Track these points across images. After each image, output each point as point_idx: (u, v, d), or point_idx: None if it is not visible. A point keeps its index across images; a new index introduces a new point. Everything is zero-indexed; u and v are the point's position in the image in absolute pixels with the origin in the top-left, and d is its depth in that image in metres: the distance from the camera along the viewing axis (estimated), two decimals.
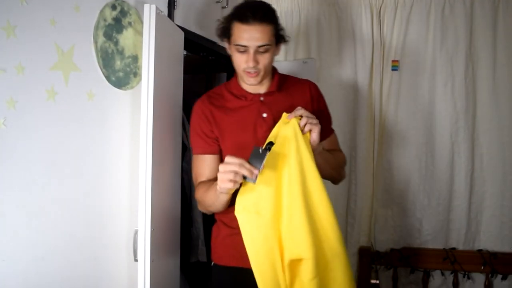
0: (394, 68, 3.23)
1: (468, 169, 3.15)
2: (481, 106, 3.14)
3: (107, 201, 1.96)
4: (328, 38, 3.33)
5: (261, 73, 1.94)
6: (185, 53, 2.34)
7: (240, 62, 1.92)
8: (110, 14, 1.95)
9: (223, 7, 2.89)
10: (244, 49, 1.88)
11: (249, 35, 1.85)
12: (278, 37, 1.96)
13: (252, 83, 1.96)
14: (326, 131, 2.08)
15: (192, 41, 2.52)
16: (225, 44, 2.00)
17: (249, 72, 1.92)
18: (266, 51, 1.89)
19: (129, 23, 2.04)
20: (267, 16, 1.87)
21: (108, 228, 1.96)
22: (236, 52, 1.91)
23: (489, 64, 3.10)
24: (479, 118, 3.15)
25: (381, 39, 3.28)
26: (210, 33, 2.69)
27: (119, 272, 2.02)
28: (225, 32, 1.94)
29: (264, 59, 1.91)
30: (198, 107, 2.02)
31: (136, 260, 1.88)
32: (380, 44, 3.28)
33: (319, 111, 2.06)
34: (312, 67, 3.05)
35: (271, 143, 1.80)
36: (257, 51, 1.88)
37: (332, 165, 2.04)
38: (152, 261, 1.86)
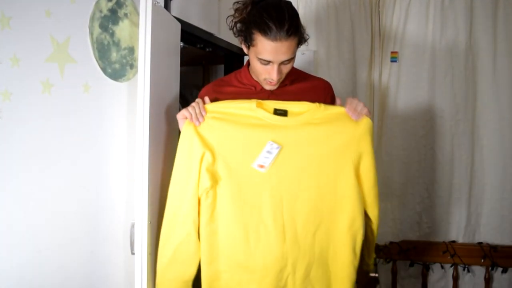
0: (393, 59, 3.23)
1: (468, 162, 3.14)
2: (481, 98, 3.13)
3: (103, 194, 1.94)
4: (326, 30, 3.32)
5: (281, 80, 1.93)
6: (181, 44, 2.32)
7: (262, 72, 1.88)
8: (106, 5, 1.93)
9: None
10: (267, 62, 1.83)
11: (275, 51, 1.78)
12: (301, 42, 1.90)
13: (271, 89, 1.95)
14: None
15: (189, 33, 2.50)
16: (241, 45, 1.94)
17: (270, 82, 1.90)
18: (290, 61, 1.85)
19: (125, 15, 2.02)
20: (293, 28, 1.78)
21: (104, 221, 1.95)
22: (257, 62, 1.86)
23: (489, 55, 3.10)
24: (479, 110, 3.14)
25: (380, 31, 3.27)
26: (207, 24, 2.68)
27: (116, 265, 2.01)
28: (243, 35, 1.88)
29: (286, 69, 1.88)
30: (203, 93, 2.02)
31: (133, 253, 1.88)
32: (379, 36, 3.27)
33: None
34: (311, 59, 3.03)
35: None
36: (281, 63, 1.84)
37: None
38: (149, 254, 1.85)
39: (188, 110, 1.83)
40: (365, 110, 1.87)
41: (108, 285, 1.98)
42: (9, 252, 1.55)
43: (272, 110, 1.87)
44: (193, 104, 1.85)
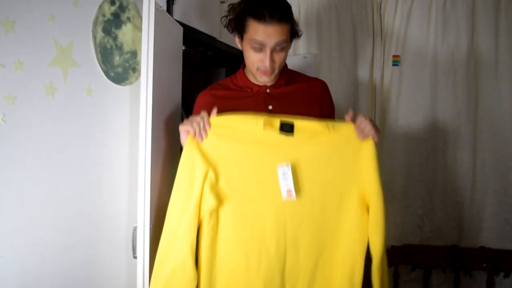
0: (395, 63, 3.22)
1: (470, 165, 3.14)
2: (483, 101, 3.13)
3: (106, 198, 1.95)
4: (328, 33, 3.32)
5: (276, 72, 1.93)
6: (183, 48, 2.33)
7: (255, 60, 1.90)
8: (109, 9, 1.93)
9: (222, 2, 2.87)
10: (260, 47, 1.85)
11: (267, 33, 1.82)
12: (293, 33, 1.94)
13: (265, 81, 1.96)
14: None
15: (190, 36, 2.50)
16: (235, 39, 1.98)
17: (264, 71, 1.90)
18: (282, 49, 1.88)
19: (128, 18, 2.02)
20: (285, 15, 1.84)
21: (107, 225, 1.95)
22: (250, 49, 1.88)
23: (491, 59, 3.09)
24: (481, 114, 3.14)
25: (381, 34, 3.27)
26: (209, 28, 2.68)
27: (118, 269, 2.01)
28: (237, 26, 1.91)
29: (279, 57, 1.89)
30: (200, 98, 2.03)
31: (135, 257, 1.87)
32: (380, 39, 3.27)
33: (328, 111, 2.06)
34: (312, 62, 3.03)
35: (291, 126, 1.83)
36: (273, 50, 1.85)
37: None
38: (151, 258, 1.85)
39: (192, 125, 1.79)
40: (372, 132, 1.83)
41: None
42: (12, 255, 1.56)
43: (277, 127, 1.82)
44: (198, 118, 1.80)
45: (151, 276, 1.81)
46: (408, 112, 3.22)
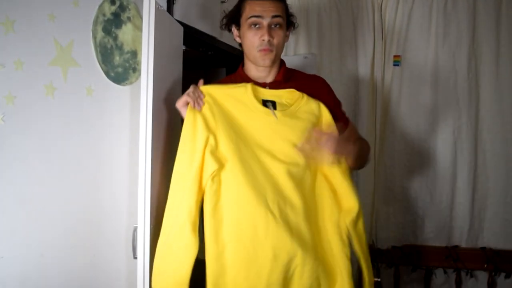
0: (396, 63, 3.22)
1: (471, 166, 3.13)
2: (484, 101, 3.13)
3: (106, 198, 1.94)
4: (329, 33, 3.32)
5: (275, 52, 1.96)
6: (184, 48, 2.32)
7: (254, 39, 1.94)
8: (109, 9, 1.93)
9: (223, 2, 2.86)
10: (258, 23, 1.91)
11: (264, 8, 1.90)
12: (288, 21, 2.02)
13: (266, 63, 1.97)
14: (343, 122, 2.08)
15: (191, 36, 2.50)
16: (234, 32, 2.03)
17: (264, 49, 1.93)
18: (279, 27, 1.94)
19: (128, 18, 2.02)
20: None
21: (107, 225, 1.95)
22: (249, 30, 1.94)
23: (492, 59, 3.09)
24: (482, 114, 3.14)
25: (382, 34, 3.27)
26: (209, 27, 2.68)
27: (118, 269, 2.00)
28: (235, 15, 1.99)
29: (277, 36, 1.94)
30: None
31: (135, 258, 1.86)
32: (381, 39, 3.27)
33: (334, 105, 2.07)
34: (313, 62, 3.02)
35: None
36: (271, 26, 1.91)
37: (363, 155, 2.08)
38: (151, 258, 1.84)
39: (188, 96, 1.84)
40: (325, 152, 1.85)
41: None
42: (12, 256, 1.55)
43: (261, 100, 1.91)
44: (190, 90, 1.86)
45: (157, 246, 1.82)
46: (409, 112, 3.22)
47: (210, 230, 1.80)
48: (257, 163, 1.84)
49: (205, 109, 1.84)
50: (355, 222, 1.92)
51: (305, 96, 1.95)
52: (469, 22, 3.11)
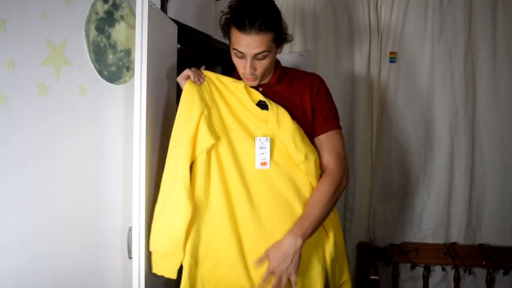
0: (392, 60, 3.21)
1: (469, 163, 3.12)
2: (481, 98, 3.12)
3: (100, 198, 1.94)
4: (324, 30, 3.30)
5: (259, 77, 1.94)
6: (178, 46, 2.31)
7: (238, 66, 1.93)
8: (102, 8, 1.92)
9: (217, 0, 2.86)
10: (241, 55, 1.87)
11: (246, 43, 1.83)
12: (280, 40, 1.93)
13: (251, 85, 1.96)
14: (322, 126, 2.01)
15: (185, 34, 2.49)
16: (227, 41, 1.98)
17: (246, 78, 1.93)
18: (264, 57, 1.87)
19: (121, 17, 2.01)
20: (266, 24, 1.81)
21: (102, 225, 1.94)
22: (234, 56, 1.91)
23: (488, 55, 3.08)
24: (479, 110, 3.13)
25: (378, 31, 3.26)
26: (204, 26, 2.67)
27: (113, 269, 2.00)
28: (226, 32, 1.94)
29: (261, 65, 1.89)
30: None
31: (130, 257, 1.86)
32: (377, 36, 3.26)
33: (318, 106, 2.02)
34: (309, 59, 3.01)
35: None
36: (254, 58, 1.86)
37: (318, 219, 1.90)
38: (146, 258, 1.84)
39: (189, 70, 1.91)
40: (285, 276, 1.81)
41: None
42: (6, 256, 1.55)
43: (255, 101, 1.93)
44: (192, 68, 1.92)
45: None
46: (406, 109, 3.21)
47: (198, 204, 1.85)
48: (242, 152, 1.89)
49: (204, 86, 1.91)
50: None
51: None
52: (465, 18, 3.09)
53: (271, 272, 1.79)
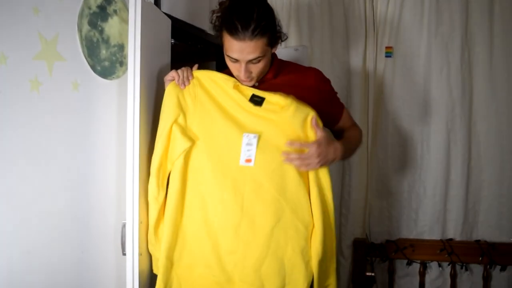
0: (388, 54, 3.20)
1: (465, 158, 3.12)
2: (478, 92, 3.11)
3: (94, 194, 1.92)
4: (320, 25, 3.29)
5: (255, 78, 1.91)
6: (172, 41, 2.30)
7: (233, 69, 1.90)
8: (94, 2, 1.90)
9: None
10: (235, 60, 1.83)
11: (239, 49, 1.79)
12: (274, 42, 1.90)
13: (247, 85, 1.93)
14: (336, 115, 2.10)
15: (179, 29, 2.48)
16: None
17: (242, 80, 1.90)
18: (259, 61, 1.84)
19: (115, 11, 1.99)
20: (260, 28, 1.77)
21: (95, 222, 1.93)
22: (228, 59, 1.88)
23: (485, 49, 3.07)
24: (476, 105, 3.12)
25: (374, 25, 3.25)
26: (198, 21, 2.65)
27: (107, 266, 1.99)
28: (217, 32, 1.89)
29: (257, 68, 1.87)
30: None
31: (124, 254, 1.85)
32: (373, 30, 3.25)
33: (325, 100, 2.02)
34: (304, 54, 3.00)
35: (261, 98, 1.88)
36: (249, 62, 1.83)
37: (352, 150, 2.10)
38: (140, 254, 1.83)
39: (175, 72, 1.90)
40: (315, 167, 1.85)
41: (99, 286, 1.95)
42: None
43: (248, 96, 1.89)
44: (182, 68, 1.91)
45: None
46: (402, 104, 3.20)
47: (173, 209, 1.88)
48: (227, 150, 1.87)
49: (187, 89, 1.90)
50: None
51: (293, 106, 1.86)
52: (462, 12, 3.08)
53: (312, 148, 1.82)
